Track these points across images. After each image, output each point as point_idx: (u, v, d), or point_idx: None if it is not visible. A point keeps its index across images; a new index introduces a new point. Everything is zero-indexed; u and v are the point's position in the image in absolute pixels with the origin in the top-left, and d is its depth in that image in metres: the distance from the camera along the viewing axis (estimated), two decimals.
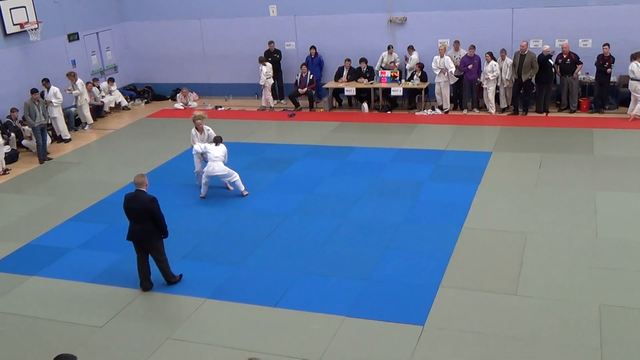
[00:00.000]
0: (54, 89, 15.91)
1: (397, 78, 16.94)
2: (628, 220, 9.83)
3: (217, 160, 11.53)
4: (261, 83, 17.79)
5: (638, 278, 8.21)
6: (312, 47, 18.11)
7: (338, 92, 17.92)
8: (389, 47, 17.31)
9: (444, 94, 16.38)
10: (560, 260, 8.80)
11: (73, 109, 17.36)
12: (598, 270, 8.46)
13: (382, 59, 17.44)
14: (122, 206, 8.60)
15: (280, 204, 11.27)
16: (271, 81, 17.88)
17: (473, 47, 16.14)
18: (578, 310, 7.59)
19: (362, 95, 17.57)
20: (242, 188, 11.75)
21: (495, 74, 15.74)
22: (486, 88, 16.09)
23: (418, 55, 17.22)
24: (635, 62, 14.54)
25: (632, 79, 14.65)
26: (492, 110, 16.20)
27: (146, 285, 8.69)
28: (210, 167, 11.54)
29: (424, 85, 16.77)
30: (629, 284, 8.10)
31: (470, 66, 16.10)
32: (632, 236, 9.33)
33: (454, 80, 16.30)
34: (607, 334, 7.11)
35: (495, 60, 15.82)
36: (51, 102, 15.75)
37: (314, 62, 18.10)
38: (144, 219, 8.36)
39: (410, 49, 17.27)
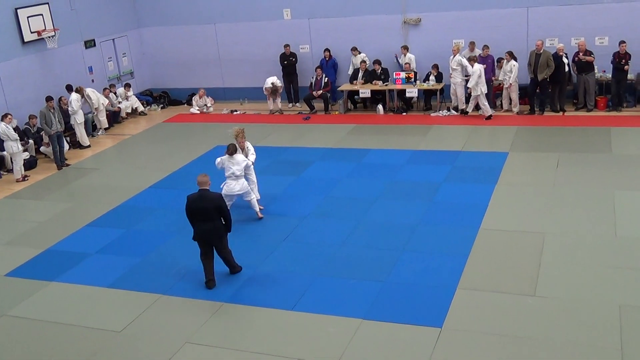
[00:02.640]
0: (75, 95, 16.08)
1: (412, 79, 16.90)
2: None
3: (233, 177, 10.45)
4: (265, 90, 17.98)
5: None
6: (327, 49, 18.14)
7: (353, 94, 17.92)
8: (404, 48, 17.31)
9: (459, 94, 16.26)
10: (579, 260, 8.72)
11: (90, 115, 17.52)
12: (618, 270, 8.37)
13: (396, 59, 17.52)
14: (186, 208, 8.66)
15: (297, 206, 11.28)
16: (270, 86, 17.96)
17: (487, 47, 16.06)
18: (598, 311, 7.52)
19: (377, 97, 17.55)
20: (257, 209, 10.90)
21: (514, 74, 15.63)
22: (507, 88, 15.98)
23: (414, 58, 17.31)
24: None
25: None
26: (515, 109, 16.08)
27: (213, 282, 8.80)
28: (228, 186, 10.51)
29: (439, 86, 16.72)
30: None
31: (484, 66, 16.01)
32: None
33: (471, 77, 15.95)
34: (628, 334, 7.03)
35: (516, 60, 15.68)
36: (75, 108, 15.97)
37: (329, 65, 18.13)
38: (213, 216, 8.50)
39: (404, 49, 17.29)
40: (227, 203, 9.71)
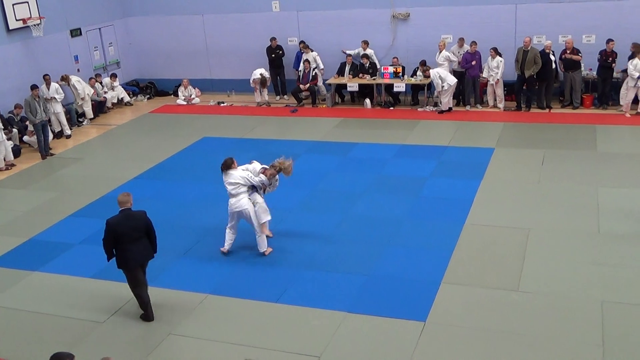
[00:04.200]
0: (54, 85, 16.00)
1: (400, 74, 16.91)
2: (630, 217, 9.80)
3: (234, 193, 9.23)
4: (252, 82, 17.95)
5: None
6: (302, 42, 18.11)
7: (341, 88, 17.90)
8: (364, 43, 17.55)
9: (443, 100, 16.17)
10: (562, 256, 8.78)
11: (74, 105, 17.38)
12: (600, 267, 8.43)
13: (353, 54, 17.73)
14: (109, 232, 7.63)
15: (283, 199, 11.24)
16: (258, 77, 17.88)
17: (475, 43, 16.08)
18: (580, 307, 7.57)
19: (365, 91, 17.55)
20: (263, 246, 9.47)
21: (500, 70, 15.70)
22: (493, 84, 16.04)
23: (374, 52, 17.44)
24: None
25: None
26: (501, 105, 16.15)
27: (152, 313, 7.92)
28: (229, 202, 9.33)
29: (426, 81, 16.73)
30: (631, 280, 8.08)
31: (473, 62, 16.06)
32: (634, 232, 9.30)
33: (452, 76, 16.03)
34: (609, 330, 7.09)
35: (501, 56, 15.76)
36: (54, 98, 15.80)
37: (304, 57, 18.04)
38: (141, 235, 7.78)
39: (364, 43, 17.41)
40: (230, 221, 9.29)
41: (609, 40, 15.14)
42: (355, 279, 8.53)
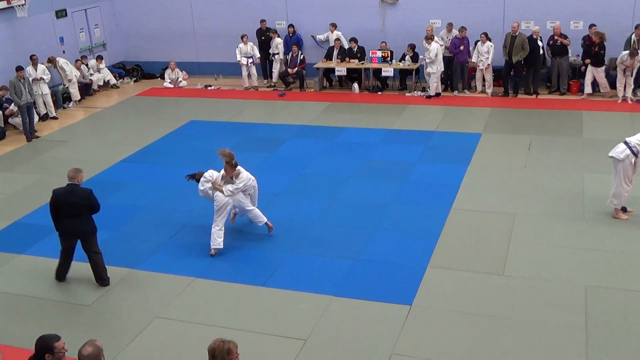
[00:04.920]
0: (41, 66, 15.84)
1: (388, 58, 16.88)
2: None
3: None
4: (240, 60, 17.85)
5: (624, 259, 8.28)
6: (290, 25, 18.02)
7: (328, 72, 17.84)
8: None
9: (431, 82, 16.15)
10: (547, 241, 8.85)
11: (60, 87, 17.22)
12: (584, 252, 8.52)
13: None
14: (50, 202, 8.08)
15: (270, 183, 11.22)
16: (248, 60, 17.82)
17: (464, 28, 16.06)
18: (564, 291, 7.65)
19: (353, 75, 17.51)
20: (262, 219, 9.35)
21: (490, 55, 15.71)
22: (482, 69, 16.03)
23: (342, 35, 17.50)
24: None
25: None
26: (490, 90, 16.16)
27: (63, 277, 8.43)
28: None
29: (414, 66, 16.71)
30: (614, 265, 8.17)
31: (462, 47, 16.04)
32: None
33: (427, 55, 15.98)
34: (592, 314, 7.18)
35: (491, 41, 15.76)
36: (42, 78, 15.69)
37: (292, 41, 17.96)
38: (80, 213, 7.99)
39: (332, 26, 17.43)
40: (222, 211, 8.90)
41: (592, 26, 15.18)
42: (342, 263, 8.56)
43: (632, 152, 9.06)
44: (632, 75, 14.72)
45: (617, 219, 9.32)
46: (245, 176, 9.02)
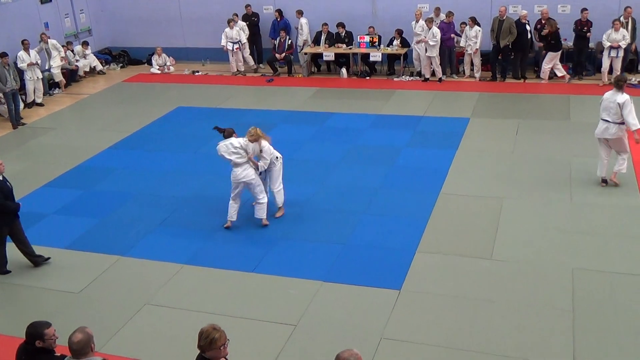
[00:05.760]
0: (32, 51, 15.78)
1: (377, 43, 16.84)
2: (602, 186, 9.94)
3: (240, 162, 9.00)
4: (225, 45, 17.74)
5: (610, 242, 8.36)
6: (277, 10, 17.93)
7: (317, 57, 17.78)
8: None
9: (422, 60, 16.17)
10: (535, 224, 8.92)
11: (47, 73, 17.07)
12: (571, 235, 8.59)
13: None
14: None
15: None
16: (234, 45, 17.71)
17: (451, 13, 16.03)
18: (551, 274, 7.72)
19: (341, 60, 17.46)
20: (262, 215, 9.31)
21: (479, 39, 15.73)
22: (471, 54, 16.04)
23: (306, 22, 17.46)
24: None
25: None
26: (478, 74, 16.19)
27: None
28: (232, 172, 9.11)
29: (402, 51, 16.69)
30: (601, 248, 8.24)
31: (453, 35, 16.05)
32: (605, 201, 9.47)
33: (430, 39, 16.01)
34: (579, 296, 7.25)
35: (479, 25, 15.75)
36: (37, 63, 15.61)
37: (280, 26, 17.87)
38: None
39: (299, 13, 17.44)
40: (233, 191, 9.07)
41: (584, 9, 15.21)
42: (331, 248, 8.58)
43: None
44: (617, 56, 14.68)
45: (603, 202, 9.40)
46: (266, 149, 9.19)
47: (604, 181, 9.92)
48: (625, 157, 9.84)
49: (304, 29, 17.48)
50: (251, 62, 18.18)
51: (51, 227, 9.68)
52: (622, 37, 14.55)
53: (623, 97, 9.54)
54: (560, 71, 15.52)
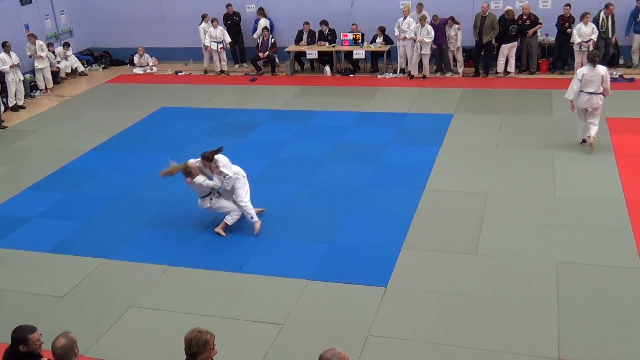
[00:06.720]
0: (13, 53, 15.63)
1: (359, 41, 16.85)
2: (584, 180, 10.03)
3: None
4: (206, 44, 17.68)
5: (593, 235, 8.43)
6: (260, 8, 17.91)
7: (300, 55, 17.76)
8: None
9: (409, 57, 16.21)
10: (519, 219, 8.96)
11: (28, 76, 16.92)
12: (555, 229, 8.64)
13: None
14: None
15: (243, 169, 11.14)
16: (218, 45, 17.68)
17: (437, 16, 15.98)
18: (536, 268, 7.77)
19: (324, 58, 17.45)
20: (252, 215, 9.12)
21: (459, 37, 15.83)
22: (453, 50, 16.13)
23: (268, 23, 17.54)
24: None
25: None
26: (461, 70, 16.26)
27: None
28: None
29: (386, 48, 16.71)
30: (584, 241, 8.31)
31: (447, 36, 16.15)
32: (588, 195, 9.54)
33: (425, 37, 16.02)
34: (563, 289, 7.30)
35: (458, 24, 15.83)
36: (19, 64, 15.52)
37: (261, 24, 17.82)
38: None
39: (260, 12, 17.53)
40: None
41: (566, 5, 15.31)
42: (317, 247, 8.58)
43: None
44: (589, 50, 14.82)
45: (586, 196, 9.47)
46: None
47: (584, 141, 11.15)
48: (597, 121, 10.87)
49: (258, 30, 17.52)
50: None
51: (34, 230, 9.59)
52: (591, 30, 14.76)
53: (603, 69, 10.64)
54: (511, 66, 15.80)
